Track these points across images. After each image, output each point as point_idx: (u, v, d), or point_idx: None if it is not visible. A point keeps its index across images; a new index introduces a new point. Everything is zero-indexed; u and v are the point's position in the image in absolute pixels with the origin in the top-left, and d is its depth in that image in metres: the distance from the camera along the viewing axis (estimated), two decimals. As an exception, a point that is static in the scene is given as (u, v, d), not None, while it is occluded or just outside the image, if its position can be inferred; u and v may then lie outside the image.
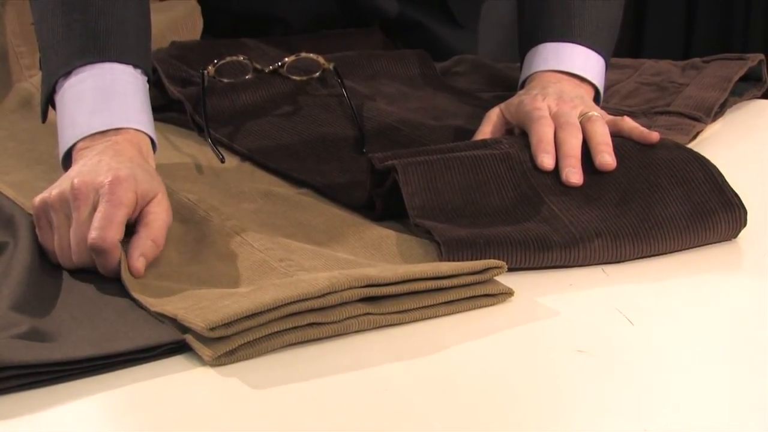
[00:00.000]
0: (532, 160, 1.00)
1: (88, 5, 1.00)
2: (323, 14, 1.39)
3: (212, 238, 0.94)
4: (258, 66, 1.20)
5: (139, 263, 0.88)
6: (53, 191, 0.92)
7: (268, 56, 1.28)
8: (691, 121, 1.22)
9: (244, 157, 1.14)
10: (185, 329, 0.80)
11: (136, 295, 0.84)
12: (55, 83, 1.01)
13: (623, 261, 0.93)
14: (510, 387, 0.76)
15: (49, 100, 1.03)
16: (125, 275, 0.87)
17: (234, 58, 1.18)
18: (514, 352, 0.80)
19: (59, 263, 0.91)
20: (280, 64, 1.21)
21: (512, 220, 0.95)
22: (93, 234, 0.87)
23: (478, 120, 1.13)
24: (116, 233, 0.88)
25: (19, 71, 1.28)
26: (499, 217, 0.95)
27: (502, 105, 1.11)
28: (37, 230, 0.93)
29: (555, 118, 1.04)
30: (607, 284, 0.91)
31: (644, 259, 0.94)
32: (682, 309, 0.87)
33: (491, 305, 0.86)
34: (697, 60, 1.38)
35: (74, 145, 0.97)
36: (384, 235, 0.96)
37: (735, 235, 0.97)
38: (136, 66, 1.01)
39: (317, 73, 1.22)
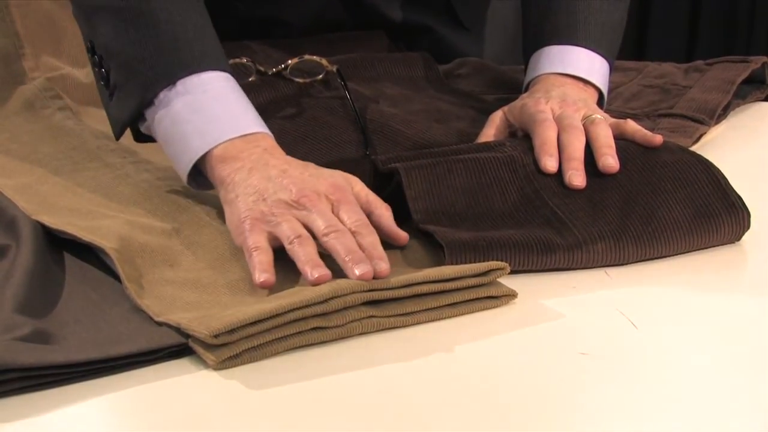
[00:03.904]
0: (535, 162, 1.00)
1: (170, 16, 1.00)
2: (328, 19, 1.39)
3: (215, 242, 0.94)
4: (261, 68, 1.19)
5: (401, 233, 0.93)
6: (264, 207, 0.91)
7: (271, 59, 1.28)
8: (694, 123, 1.22)
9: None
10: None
11: (140, 302, 0.84)
12: (153, 96, 0.99)
13: (626, 264, 0.93)
14: (513, 389, 0.76)
15: (136, 115, 1.01)
16: (127, 283, 0.86)
17: (237, 60, 1.18)
18: (517, 355, 0.80)
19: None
20: (283, 66, 1.21)
21: (515, 223, 0.95)
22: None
23: (481, 122, 1.13)
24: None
25: (23, 74, 1.28)
26: (503, 220, 0.95)
27: (506, 107, 1.11)
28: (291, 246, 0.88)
29: (558, 120, 1.04)
30: (610, 287, 0.91)
31: (647, 261, 0.94)
32: (685, 312, 0.87)
33: (495, 307, 0.86)
34: (700, 62, 1.38)
35: (209, 151, 0.96)
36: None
37: (738, 237, 0.97)
38: (227, 71, 1.02)
39: (320, 75, 1.22)
